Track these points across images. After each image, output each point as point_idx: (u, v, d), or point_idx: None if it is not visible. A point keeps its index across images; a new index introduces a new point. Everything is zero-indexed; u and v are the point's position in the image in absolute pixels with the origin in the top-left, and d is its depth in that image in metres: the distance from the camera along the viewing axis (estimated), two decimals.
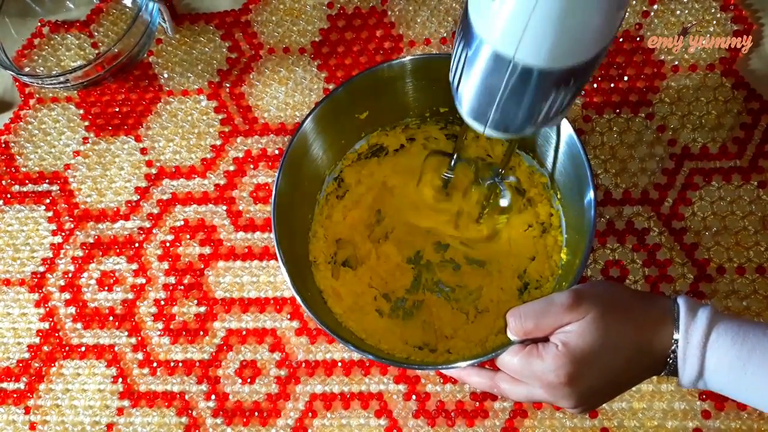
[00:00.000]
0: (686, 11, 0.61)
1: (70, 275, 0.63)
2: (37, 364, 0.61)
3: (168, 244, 0.62)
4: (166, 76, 0.67)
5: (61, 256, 0.63)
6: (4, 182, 0.66)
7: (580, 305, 0.39)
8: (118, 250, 0.63)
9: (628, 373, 0.40)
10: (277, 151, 0.63)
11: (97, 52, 0.69)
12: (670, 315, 0.39)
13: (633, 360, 0.39)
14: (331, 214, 0.57)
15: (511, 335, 0.42)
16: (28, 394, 0.60)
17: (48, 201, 0.65)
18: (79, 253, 0.63)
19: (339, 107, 0.52)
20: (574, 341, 0.39)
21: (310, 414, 0.56)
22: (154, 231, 0.63)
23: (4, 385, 0.61)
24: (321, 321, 0.46)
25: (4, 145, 0.67)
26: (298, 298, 0.47)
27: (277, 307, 0.59)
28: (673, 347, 0.38)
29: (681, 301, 0.39)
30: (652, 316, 0.39)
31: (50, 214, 0.65)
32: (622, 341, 0.39)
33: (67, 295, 0.62)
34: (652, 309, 0.40)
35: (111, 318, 0.61)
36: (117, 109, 0.66)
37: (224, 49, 0.66)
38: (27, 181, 0.66)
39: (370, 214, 0.58)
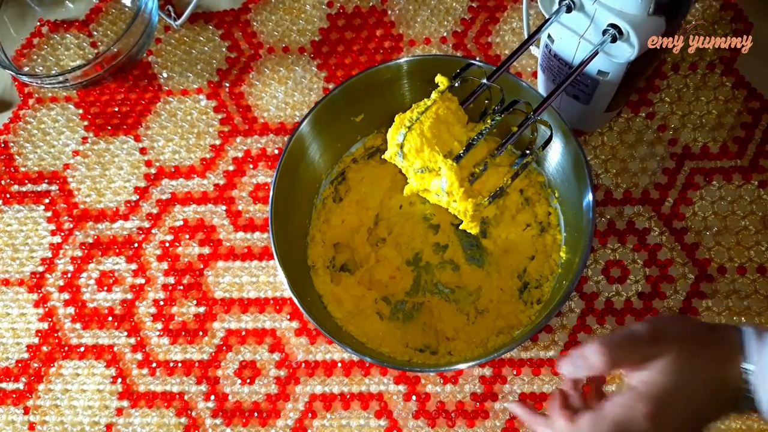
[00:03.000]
0: (686, 13, 0.60)
1: (69, 275, 0.62)
2: (36, 365, 0.61)
3: (167, 244, 0.62)
4: (165, 75, 0.66)
5: (60, 256, 0.63)
6: (3, 182, 0.66)
7: (660, 340, 0.38)
8: (117, 250, 0.62)
9: (708, 409, 0.39)
10: (276, 151, 0.63)
11: (96, 51, 0.68)
12: (739, 345, 0.38)
13: (712, 396, 0.38)
14: (329, 219, 0.57)
15: (587, 370, 0.39)
16: (27, 395, 0.60)
17: (47, 201, 0.65)
18: (78, 253, 0.63)
19: (335, 110, 0.52)
20: (654, 379, 0.38)
21: (309, 414, 0.56)
22: (153, 231, 0.62)
23: (3, 385, 0.60)
24: (322, 326, 0.46)
25: (3, 145, 0.67)
26: (299, 305, 0.47)
27: (277, 307, 0.59)
28: (746, 376, 0.37)
29: (747, 329, 0.38)
30: (723, 349, 0.38)
31: (49, 214, 0.64)
32: (701, 377, 0.38)
33: (66, 295, 0.62)
34: (721, 341, 0.39)
35: (110, 318, 0.61)
36: (116, 109, 0.66)
37: (224, 49, 0.66)
38: (26, 181, 0.66)
39: (370, 217, 0.58)
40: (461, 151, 0.42)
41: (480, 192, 0.44)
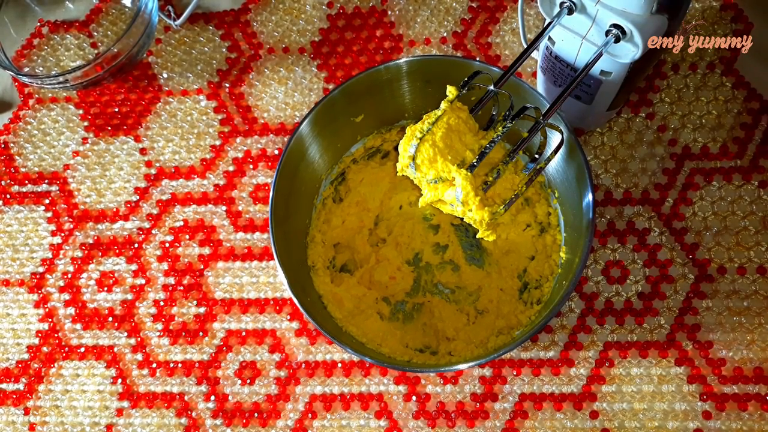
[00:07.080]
0: (686, 11, 0.60)
1: (69, 276, 0.63)
2: (36, 365, 0.61)
3: (167, 245, 0.62)
4: (165, 76, 0.66)
5: (61, 256, 0.63)
6: (3, 183, 0.66)
7: None
8: (117, 251, 0.62)
9: None
10: (276, 151, 0.63)
11: (96, 52, 0.69)
12: None
13: None
14: (329, 219, 0.57)
15: None
16: (28, 395, 0.60)
17: (47, 201, 0.65)
18: (79, 253, 0.63)
19: (335, 110, 0.52)
20: None
21: (309, 415, 0.56)
22: (153, 231, 0.63)
23: (4, 386, 0.60)
24: (322, 327, 0.46)
25: (3, 146, 0.67)
26: (299, 305, 0.47)
27: (277, 307, 0.59)
28: None
29: None
30: None
31: (49, 214, 0.64)
32: None
33: (66, 296, 0.62)
34: None
35: (110, 319, 0.61)
36: (116, 109, 0.66)
37: (224, 49, 0.66)
38: (26, 182, 0.66)
39: (370, 217, 0.58)
40: (474, 160, 0.42)
41: (493, 199, 0.43)
